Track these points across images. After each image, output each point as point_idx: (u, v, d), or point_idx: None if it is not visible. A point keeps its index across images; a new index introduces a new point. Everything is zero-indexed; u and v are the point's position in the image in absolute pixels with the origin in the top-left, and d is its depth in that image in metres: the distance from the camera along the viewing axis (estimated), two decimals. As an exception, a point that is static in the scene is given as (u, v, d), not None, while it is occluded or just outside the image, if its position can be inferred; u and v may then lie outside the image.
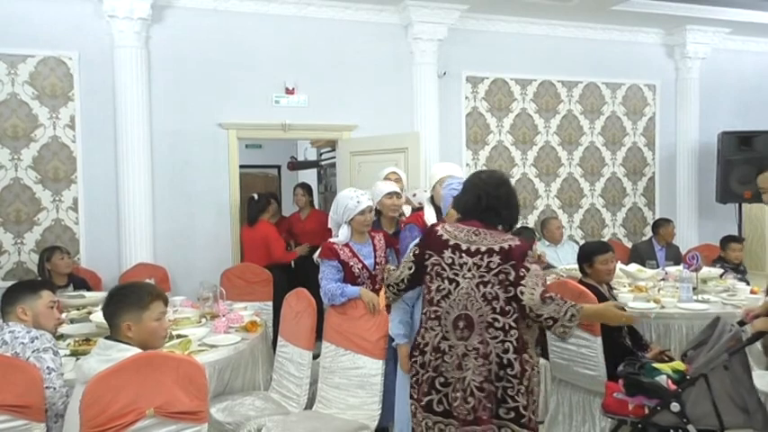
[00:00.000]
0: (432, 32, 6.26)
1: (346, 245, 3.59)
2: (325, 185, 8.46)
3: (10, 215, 5.37)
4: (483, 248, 2.45)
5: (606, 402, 3.11)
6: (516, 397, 2.38)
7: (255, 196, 5.93)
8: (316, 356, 3.61)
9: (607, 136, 7.33)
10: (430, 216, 3.79)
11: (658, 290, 4.70)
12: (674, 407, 2.85)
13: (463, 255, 2.47)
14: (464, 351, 2.43)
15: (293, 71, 6.05)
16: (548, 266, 5.50)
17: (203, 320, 3.93)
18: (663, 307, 4.22)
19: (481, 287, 2.43)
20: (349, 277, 3.53)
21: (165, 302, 2.52)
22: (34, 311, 2.81)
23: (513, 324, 2.40)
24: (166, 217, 5.69)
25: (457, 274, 2.48)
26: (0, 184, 5.33)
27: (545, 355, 4.09)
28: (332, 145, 6.96)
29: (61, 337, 3.47)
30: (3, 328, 2.74)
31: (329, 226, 3.75)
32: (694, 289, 4.50)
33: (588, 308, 2.57)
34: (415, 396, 2.54)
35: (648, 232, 7.02)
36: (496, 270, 2.41)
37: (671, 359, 3.40)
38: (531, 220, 6.99)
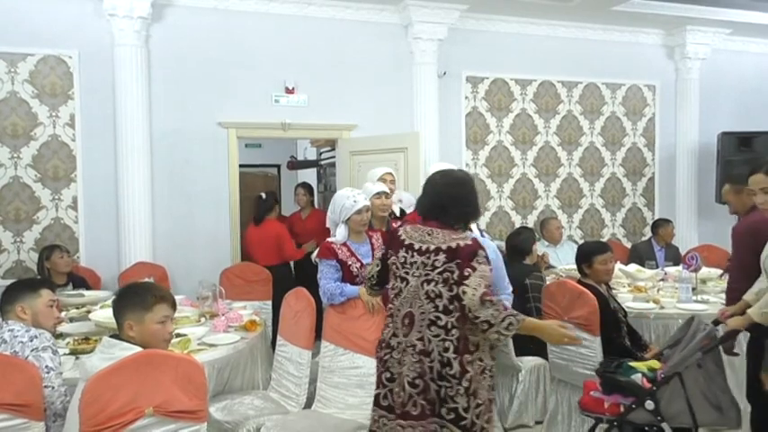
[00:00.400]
0: (432, 32, 6.26)
1: (344, 244, 3.60)
2: (324, 185, 8.47)
3: (9, 214, 5.36)
4: (432, 247, 2.47)
5: (583, 401, 3.13)
6: (455, 398, 2.37)
7: (263, 195, 5.94)
8: (314, 356, 3.62)
9: (607, 136, 7.34)
10: None
11: (657, 290, 4.71)
12: (649, 405, 2.86)
13: (414, 254, 2.50)
14: (404, 347, 2.46)
15: (293, 70, 6.05)
16: (547, 266, 5.51)
17: (203, 319, 3.93)
18: (662, 307, 4.23)
19: (425, 285, 2.44)
20: (347, 277, 3.53)
21: (173, 306, 2.50)
22: (33, 310, 2.81)
23: (455, 323, 2.39)
24: (166, 216, 5.69)
25: (407, 273, 2.51)
26: (-1, 182, 5.34)
27: (544, 355, 4.10)
28: (331, 144, 6.96)
29: (60, 335, 3.47)
30: (2, 326, 2.73)
31: (327, 225, 3.76)
32: (693, 289, 4.50)
33: (531, 321, 2.48)
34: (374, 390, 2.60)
35: (648, 233, 7.02)
36: (441, 268, 2.42)
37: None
38: (530, 221, 6.99)
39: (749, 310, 2.98)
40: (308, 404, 3.48)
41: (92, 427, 2.12)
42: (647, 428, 2.96)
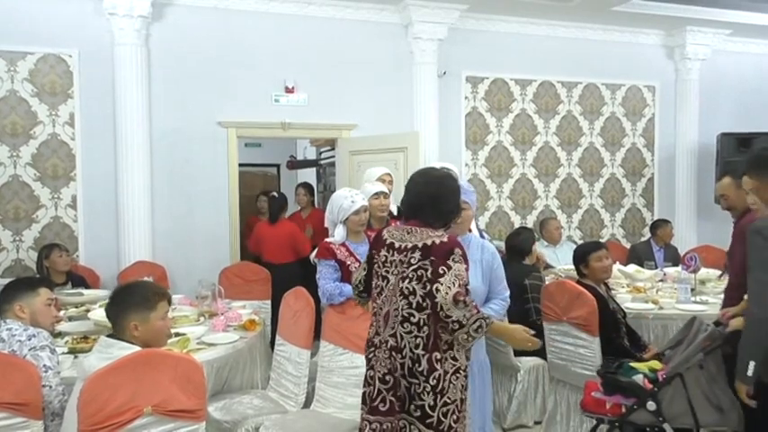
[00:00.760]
0: (432, 32, 6.26)
1: (343, 244, 3.59)
2: (324, 184, 8.47)
3: (9, 212, 5.36)
4: (409, 245, 2.47)
5: (584, 401, 3.13)
6: (422, 395, 2.36)
7: (276, 194, 6.08)
8: (313, 355, 3.62)
9: (606, 137, 7.34)
10: None
11: (656, 291, 4.71)
12: (651, 406, 2.87)
13: (394, 252, 2.51)
14: (379, 344, 2.48)
15: (293, 70, 6.05)
16: (546, 266, 5.51)
17: (202, 319, 3.93)
18: (661, 308, 4.23)
19: (400, 282, 2.44)
20: (346, 277, 3.52)
21: (169, 301, 2.53)
22: (32, 309, 2.82)
23: (426, 320, 2.38)
24: (165, 215, 5.69)
25: (388, 272, 2.52)
26: (-1, 181, 5.34)
27: (542, 355, 4.10)
28: (331, 144, 6.96)
29: (59, 334, 3.47)
30: (0, 325, 2.73)
31: (326, 225, 3.76)
32: (692, 290, 4.50)
33: (499, 325, 2.53)
34: None
35: (647, 233, 7.02)
36: (416, 266, 2.41)
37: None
38: (530, 221, 6.99)
39: None
40: (307, 404, 3.48)
41: (90, 426, 2.12)
42: (648, 429, 2.96)
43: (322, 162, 8.35)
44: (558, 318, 3.80)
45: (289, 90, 6.04)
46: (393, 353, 2.42)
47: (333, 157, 6.91)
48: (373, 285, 2.60)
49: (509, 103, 6.92)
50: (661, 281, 5.03)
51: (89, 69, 5.49)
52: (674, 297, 4.42)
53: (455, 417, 2.39)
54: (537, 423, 4.21)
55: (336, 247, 3.57)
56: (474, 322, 2.33)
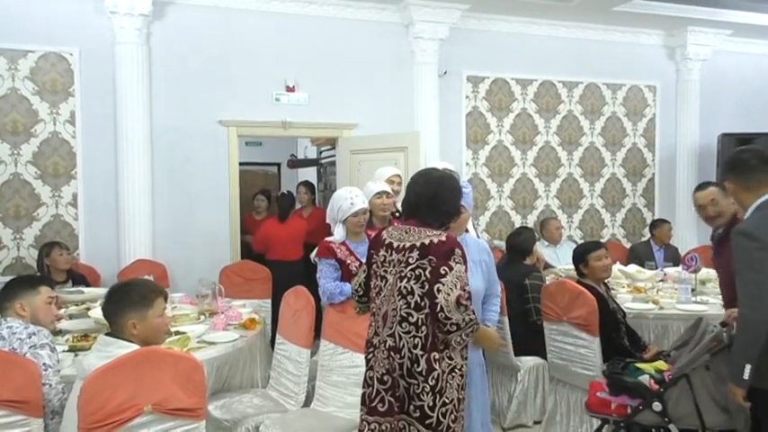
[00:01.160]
0: (433, 32, 6.26)
1: (343, 243, 3.60)
2: (324, 184, 8.46)
3: (9, 210, 5.36)
4: (407, 245, 2.46)
5: (589, 401, 3.13)
6: (421, 395, 2.36)
7: (285, 192, 6.27)
8: (313, 354, 3.62)
9: (607, 137, 7.34)
10: None
11: (657, 291, 4.71)
12: (656, 406, 2.86)
13: (393, 252, 2.50)
14: (378, 344, 2.48)
15: (294, 69, 6.05)
16: (546, 266, 5.51)
17: (202, 317, 3.93)
18: (661, 308, 4.23)
19: (398, 282, 2.44)
20: (346, 276, 3.52)
21: (166, 298, 2.53)
22: (32, 307, 2.82)
23: (424, 320, 2.37)
24: (166, 213, 5.69)
25: (386, 271, 2.51)
26: (0, 179, 5.33)
27: (543, 355, 4.10)
28: (332, 143, 6.96)
29: (60, 332, 3.46)
30: (1, 323, 2.73)
31: (327, 221, 3.77)
32: (693, 290, 4.50)
33: (481, 329, 2.57)
34: None
35: (648, 233, 7.02)
36: (414, 265, 2.41)
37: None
38: (530, 221, 6.99)
39: None
40: (307, 403, 3.48)
41: (90, 424, 2.12)
42: (654, 430, 2.94)
43: (323, 161, 8.35)
44: (558, 318, 3.80)
45: (289, 89, 6.04)
46: (391, 353, 2.42)
47: (333, 156, 6.91)
48: (372, 285, 2.59)
49: (510, 102, 6.92)
50: (661, 281, 5.02)
51: (90, 68, 5.49)
52: (675, 297, 4.42)
53: (453, 416, 2.39)
54: (537, 423, 4.21)
55: (336, 246, 3.57)
56: (469, 325, 2.35)
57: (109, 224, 5.52)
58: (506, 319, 4.06)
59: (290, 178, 9.66)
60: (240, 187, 6.09)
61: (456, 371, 2.42)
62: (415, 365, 2.37)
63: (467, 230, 3.26)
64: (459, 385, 2.43)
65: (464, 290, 2.33)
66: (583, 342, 3.63)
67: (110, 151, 5.50)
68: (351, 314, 3.44)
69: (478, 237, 3.75)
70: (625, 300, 4.34)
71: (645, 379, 2.94)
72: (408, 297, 2.40)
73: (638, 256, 5.99)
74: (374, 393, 2.44)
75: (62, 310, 3.76)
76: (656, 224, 6.52)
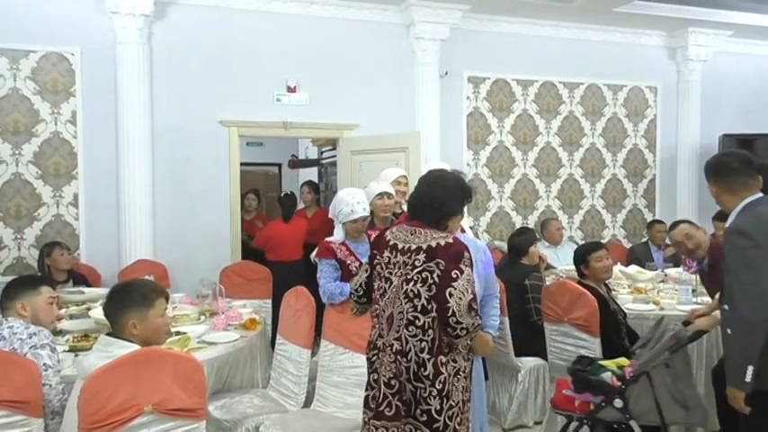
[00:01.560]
0: (434, 32, 6.26)
1: (343, 243, 3.60)
2: (326, 184, 8.46)
3: (10, 210, 5.37)
4: (413, 247, 2.44)
5: (555, 398, 3.16)
6: (428, 399, 2.34)
7: (288, 192, 6.34)
8: (314, 354, 3.62)
9: (608, 137, 7.33)
10: None
11: (658, 292, 4.71)
12: (618, 403, 2.90)
13: (397, 254, 2.47)
14: (383, 347, 2.45)
15: (295, 69, 6.05)
16: (547, 267, 5.51)
17: (202, 318, 3.93)
18: (662, 309, 4.23)
19: (404, 284, 2.41)
20: (347, 276, 3.53)
21: (167, 298, 2.53)
22: (33, 307, 2.82)
23: (431, 323, 2.36)
24: (167, 213, 5.69)
25: (391, 273, 2.48)
26: (1, 179, 5.33)
27: (543, 355, 4.10)
28: (333, 143, 6.96)
29: (60, 332, 3.47)
30: (2, 323, 2.74)
31: (330, 216, 3.77)
32: (693, 291, 4.50)
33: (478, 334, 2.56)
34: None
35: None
36: (420, 268, 2.38)
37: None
38: (531, 221, 6.99)
39: (716, 312, 2.99)
40: (307, 403, 3.48)
41: (91, 424, 2.12)
42: (616, 426, 2.98)
43: (323, 161, 8.35)
44: (558, 318, 3.80)
45: (290, 89, 6.04)
46: (398, 357, 2.39)
47: (334, 156, 6.91)
48: (375, 287, 2.56)
49: (511, 103, 6.92)
50: (662, 282, 5.02)
51: (91, 68, 5.49)
52: (675, 298, 4.42)
53: (459, 419, 2.39)
54: (537, 423, 4.21)
55: (336, 247, 3.58)
56: (475, 329, 2.36)
57: (110, 224, 5.52)
58: (506, 320, 4.06)
59: (291, 178, 9.68)
60: (241, 188, 6.10)
61: (460, 373, 2.42)
62: (422, 369, 2.35)
63: (462, 230, 3.27)
64: (463, 387, 2.43)
65: (474, 294, 2.33)
66: (583, 343, 3.63)
67: (111, 151, 5.50)
68: (351, 314, 3.45)
69: (478, 237, 3.76)
70: (626, 300, 4.34)
71: (607, 376, 2.98)
72: (415, 300, 2.38)
73: (638, 257, 5.99)
74: (381, 398, 2.41)
75: (63, 311, 3.76)
76: (650, 225, 6.55)
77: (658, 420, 2.86)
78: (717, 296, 3.18)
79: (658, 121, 7.50)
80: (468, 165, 6.74)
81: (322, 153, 8.41)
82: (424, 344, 2.36)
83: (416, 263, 2.40)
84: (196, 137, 5.79)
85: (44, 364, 2.56)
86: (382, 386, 2.41)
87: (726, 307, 2.49)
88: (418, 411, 2.37)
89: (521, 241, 4.78)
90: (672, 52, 7.44)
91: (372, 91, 6.29)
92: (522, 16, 6.66)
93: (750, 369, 2.37)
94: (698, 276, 4.76)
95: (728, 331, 2.46)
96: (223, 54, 5.83)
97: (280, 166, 10.14)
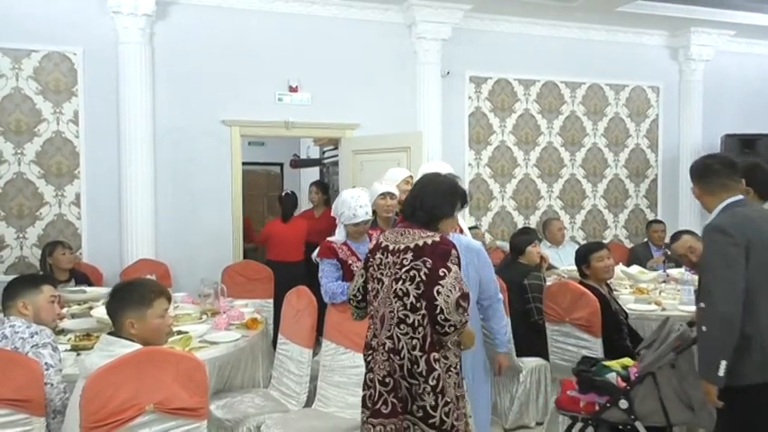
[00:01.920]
0: (435, 32, 6.25)
1: (345, 243, 3.61)
2: (327, 184, 8.46)
3: (12, 209, 5.38)
4: (402, 247, 2.48)
5: (560, 399, 3.16)
6: (423, 396, 2.37)
7: (289, 192, 6.29)
8: (315, 354, 3.62)
9: (610, 137, 7.33)
10: None
11: (659, 292, 4.71)
12: (623, 404, 2.89)
13: (388, 254, 2.51)
14: (377, 346, 2.49)
15: (297, 69, 6.05)
16: (549, 267, 5.50)
17: (204, 317, 3.93)
18: (664, 309, 4.22)
19: (394, 284, 2.45)
20: (348, 276, 3.53)
21: (169, 299, 2.52)
22: (35, 306, 2.82)
23: (421, 321, 2.38)
24: (168, 213, 5.69)
25: (382, 274, 2.52)
26: (3, 178, 5.34)
27: (545, 355, 4.10)
28: (335, 143, 6.96)
29: (62, 331, 3.47)
30: (3, 322, 2.74)
31: (332, 214, 3.78)
32: (695, 291, 4.49)
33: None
34: None
35: (650, 235, 7.02)
36: (408, 266, 2.41)
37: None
38: (532, 221, 6.99)
39: None
40: (309, 403, 3.48)
41: (92, 423, 2.13)
42: (621, 427, 2.98)
43: (325, 161, 8.35)
44: (560, 318, 3.80)
45: (292, 89, 6.04)
46: (391, 355, 2.42)
47: (336, 156, 6.91)
48: (369, 288, 2.60)
49: (512, 103, 6.91)
50: (664, 282, 5.02)
51: (93, 67, 5.50)
52: (677, 298, 4.41)
53: (455, 415, 2.41)
54: (539, 424, 4.21)
55: (338, 247, 3.59)
56: (462, 326, 2.36)
57: (112, 223, 5.53)
58: (508, 319, 4.06)
59: (293, 178, 9.67)
60: (243, 187, 6.10)
61: (452, 369, 2.44)
62: (416, 366, 2.38)
63: (461, 231, 3.27)
64: (455, 383, 2.45)
65: (462, 291, 2.33)
66: (585, 343, 3.63)
67: (113, 151, 5.51)
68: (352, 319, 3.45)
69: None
70: (627, 301, 4.34)
71: (612, 377, 2.98)
72: (404, 299, 2.41)
73: (639, 257, 5.99)
74: (377, 396, 2.44)
75: (64, 310, 3.77)
76: (648, 225, 6.56)
77: (664, 421, 2.86)
78: None
79: (660, 121, 7.49)
80: (469, 164, 6.74)
81: (324, 153, 8.40)
82: (415, 341, 2.39)
83: (404, 262, 2.43)
84: (198, 136, 5.79)
85: (46, 363, 2.56)
86: (377, 384, 2.45)
87: (702, 305, 2.54)
88: (414, 407, 2.40)
89: (519, 241, 4.80)
90: (674, 52, 7.43)
91: (374, 91, 6.29)
92: (523, 16, 6.65)
93: (723, 364, 2.42)
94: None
95: (704, 328, 2.51)
96: (225, 54, 5.83)
97: (281, 165, 10.13)
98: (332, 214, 3.77)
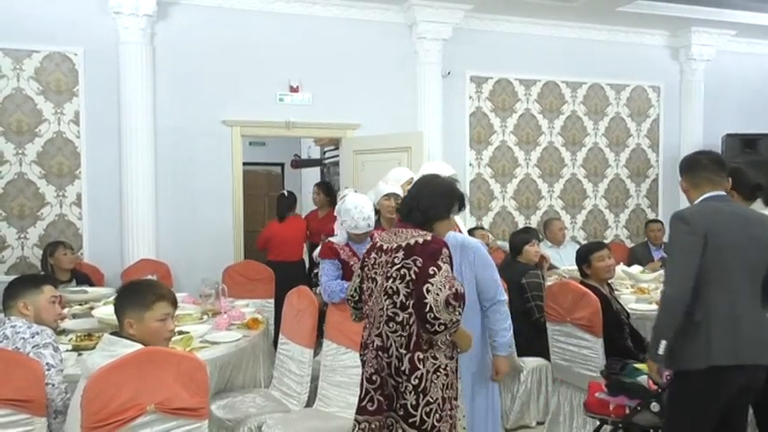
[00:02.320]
0: (436, 32, 6.25)
1: (347, 244, 3.63)
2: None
3: (14, 210, 5.38)
4: (394, 246, 2.49)
5: (588, 402, 3.14)
6: (405, 394, 2.37)
7: (286, 192, 6.23)
8: (316, 354, 3.62)
9: (611, 137, 7.33)
10: None
11: (660, 292, 4.70)
12: (655, 407, 2.88)
13: (382, 254, 2.53)
14: (367, 343, 2.50)
15: (298, 69, 6.05)
16: (550, 267, 5.50)
17: (205, 317, 3.93)
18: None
19: (385, 282, 2.46)
20: (348, 276, 3.53)
21: (173, 304, 2.49)
22: (36, 306, 2.82)
23: (409, 320, 2.39)
24: (169, 213, 5.70)
25: (376, 273, 2.53)
26: (4, 178, 5.35)
27: (546, 355, 4.10)
28: (335, 143, 6.96)
29: (63, 332, 3.47)
30: (4, 322, 2.74)
31: (334, 213, 3.79)
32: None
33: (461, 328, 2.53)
34: None
35: (651, 235, 7.01)
36: (399, 265, 2.42)
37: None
38: (533, 221, 6.99)
39: None
40: (310, 403, 3.48)
41: (94, 423, 2.13)
42: (651, 431, 2.95)
43: (326, 161, 8.35)
44: (561, 318, 3.79)
45: (293, 89, 6.05)
46: (380, 352, 2.44)
47: (337, 156, 6.91)
48: (364, 288, 2.61)
49: (513, 103, 6.91)
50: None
51: (94, 68, 5.50)
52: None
53: (438, 416, 2.39)
54: (540, 424, 4.21)
55: (340, 247, 3.60)
56: (454, 325, 2.34)
57: (113, 224, 5.53)
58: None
59: (294, 178, 9.67)
60: (243, 187, 6.10)
61: (440, 370, 2.42)
62: (400, 364, 2.39)
63: (460, 231, 3.27)
64: (444, 385, 2.42)
65: (452, 290, 2.32)
66: (586, 343, 3.62)
67: (114, 151, 5.51)
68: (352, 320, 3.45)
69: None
70: (628, 300, 4.34)
71: (643, 380, 2.95)
72: (394, 297, 2.42)
73: (638, 258, 5.99)
74: (363, 393, 2.47)
75: (65, 310, 3.77)
76: (646, 225, 6.56)
77: None
78: None
79: (661, 121, 7.49)
80: (470, 164, 6.74)
81: (324, 153, 8.41)
82: (402, 339, 2.40)
83: (396, 260, 2.44)
84: (199, 136, 5.79)
85: (47, 364, 2.56)
86: (365, 382, 2.47)
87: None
88: (397, 405, 2.41)
89: (517, 240, 4.81)
90: (675, 52, 7.43)
91: (375, 91, 6.29)
92: (524, 16, 6.65)
93: (663, 343, 2.51)
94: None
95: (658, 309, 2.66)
96: (225, 54, 5.83)
97: (282, 165, 10.14)
98: (335, 213, 3.78)
